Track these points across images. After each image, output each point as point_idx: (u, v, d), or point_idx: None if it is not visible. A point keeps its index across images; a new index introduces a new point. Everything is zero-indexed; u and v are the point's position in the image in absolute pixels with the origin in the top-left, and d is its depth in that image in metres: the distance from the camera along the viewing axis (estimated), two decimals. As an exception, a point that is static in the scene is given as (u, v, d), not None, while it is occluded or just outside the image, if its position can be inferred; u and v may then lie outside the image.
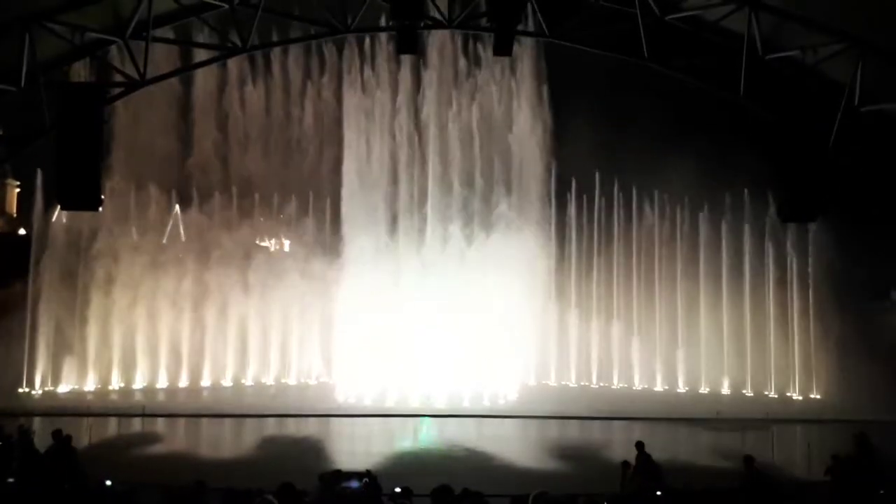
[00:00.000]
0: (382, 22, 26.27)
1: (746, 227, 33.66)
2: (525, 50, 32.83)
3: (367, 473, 14.84)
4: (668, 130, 35.53)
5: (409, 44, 20.77)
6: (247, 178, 36.69)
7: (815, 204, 17.91)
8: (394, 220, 34.29)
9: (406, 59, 32.91)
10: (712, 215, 34.07)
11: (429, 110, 35.42)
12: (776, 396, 32.66)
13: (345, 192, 35.36)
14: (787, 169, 17.84)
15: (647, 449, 15.28)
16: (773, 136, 17.76)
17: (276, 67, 37.57)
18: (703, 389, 32.37)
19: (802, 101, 18.41)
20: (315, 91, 38.00)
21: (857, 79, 19.01)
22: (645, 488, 14.27)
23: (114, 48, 22.37)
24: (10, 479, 15.81)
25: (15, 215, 53.62)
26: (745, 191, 33.75)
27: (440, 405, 30.79)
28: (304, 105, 38.48)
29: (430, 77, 35.22)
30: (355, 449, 24.90)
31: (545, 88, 36.12)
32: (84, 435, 25.71)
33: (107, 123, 20.20)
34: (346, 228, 34.59)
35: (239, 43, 23.20)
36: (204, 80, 34.58)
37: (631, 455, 15.30)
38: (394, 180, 34.45)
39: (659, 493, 14.44)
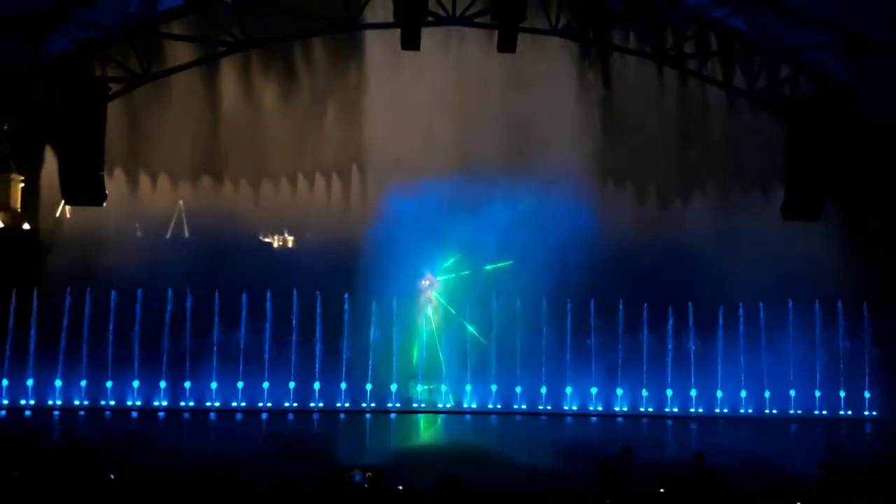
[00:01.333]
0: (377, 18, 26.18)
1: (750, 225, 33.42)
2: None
3: (371, 469, 14.91)
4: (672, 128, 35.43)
5: (413, 40, 20.86)
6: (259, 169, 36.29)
7: (818, 202, 17.97)
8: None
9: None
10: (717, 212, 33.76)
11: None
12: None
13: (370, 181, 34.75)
14: (791, 167, 17.91)
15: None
16: (777, 133, 17.87)
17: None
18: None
19: (807, 99, 18.46)
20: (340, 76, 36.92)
21: (862, 78, 19.05)
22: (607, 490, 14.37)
23: (119, 44, 22.46)
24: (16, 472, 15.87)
25: (19, 210, 53.84)
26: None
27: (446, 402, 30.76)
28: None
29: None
30: (359, 445, 24.98)
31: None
32: (87, 429, 25.87)
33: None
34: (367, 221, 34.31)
35: (242, 38, 23.33)
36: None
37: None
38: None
39: (662, 490, 14.54)
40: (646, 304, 31.51)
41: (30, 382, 29.54)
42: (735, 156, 33.06)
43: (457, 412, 30.04)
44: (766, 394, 31.23)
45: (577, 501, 14.66)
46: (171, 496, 13.13)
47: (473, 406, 30.41)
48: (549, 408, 30.36)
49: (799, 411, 30.76)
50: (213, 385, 29.91)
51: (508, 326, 31.30)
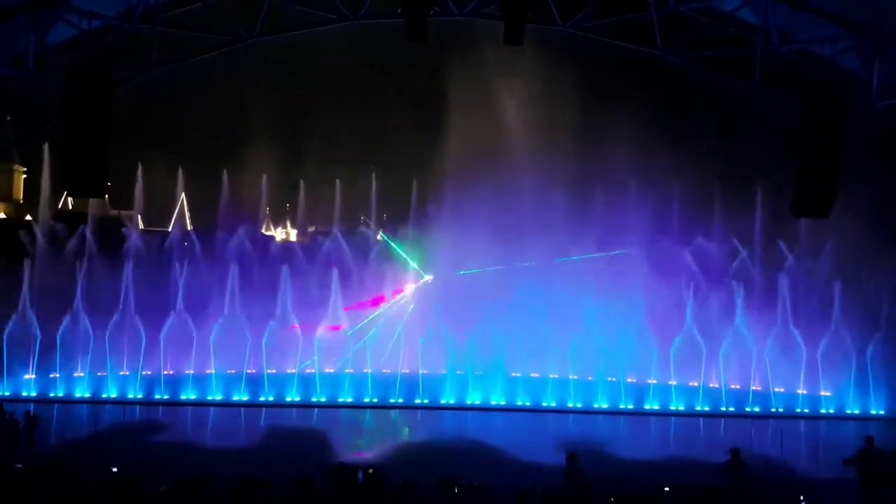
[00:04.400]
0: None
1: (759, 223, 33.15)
2: None
3: (372, 467, 14.79)
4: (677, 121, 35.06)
5: (419, 31, 20.61)
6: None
7: (828, 198, 17.69)
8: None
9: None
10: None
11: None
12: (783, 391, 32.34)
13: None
14: (801, 162, 17.62)
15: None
16: (787, 128, 17.60)
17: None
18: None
19: (818, 92, 18.15)
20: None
21: (874, 72, 18.75)
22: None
23: (122, 34, 22.24)
24: (19, 465, 15.83)
25: (21, 201, 53.74)
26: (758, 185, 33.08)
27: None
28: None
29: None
30: (361, 440, 24.86)
31: None
32: (90, 422, 25.77)
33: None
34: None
35: (245, 31, 23.08)
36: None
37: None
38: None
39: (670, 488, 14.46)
40: None
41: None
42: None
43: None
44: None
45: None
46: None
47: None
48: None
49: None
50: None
51: None
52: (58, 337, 30.00)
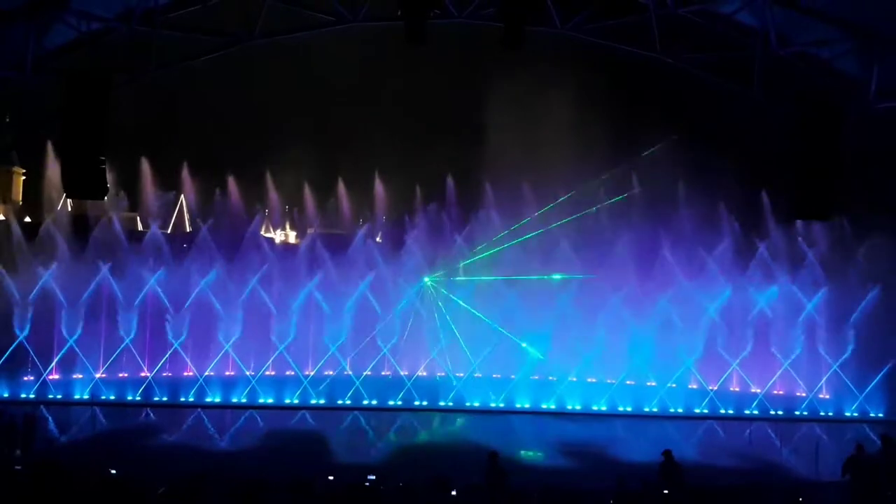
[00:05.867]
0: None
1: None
2: None
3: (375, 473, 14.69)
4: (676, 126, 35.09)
5: (418, 34, 20.64)
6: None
7: (830, 200, 17.70)
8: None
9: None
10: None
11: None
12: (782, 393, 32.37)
13: None
14: (803, 165, 17.63)
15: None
16: (787, 131, 17.63)
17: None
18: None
19: (818, 95, 18.19)
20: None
21: (873, 74, 18.76)
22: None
23: (121, 36, 22.26)
24: (18, 467, 15.85)
25: (21, 203, 53.89)
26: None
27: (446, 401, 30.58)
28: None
29: None
30: (360, 442, 24.86)
31: None
32: (89, 424, 25.77)
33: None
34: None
35: (245, 33, 23.11)
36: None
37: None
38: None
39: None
40: None
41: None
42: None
43: None
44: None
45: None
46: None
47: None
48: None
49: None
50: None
51: None
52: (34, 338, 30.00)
